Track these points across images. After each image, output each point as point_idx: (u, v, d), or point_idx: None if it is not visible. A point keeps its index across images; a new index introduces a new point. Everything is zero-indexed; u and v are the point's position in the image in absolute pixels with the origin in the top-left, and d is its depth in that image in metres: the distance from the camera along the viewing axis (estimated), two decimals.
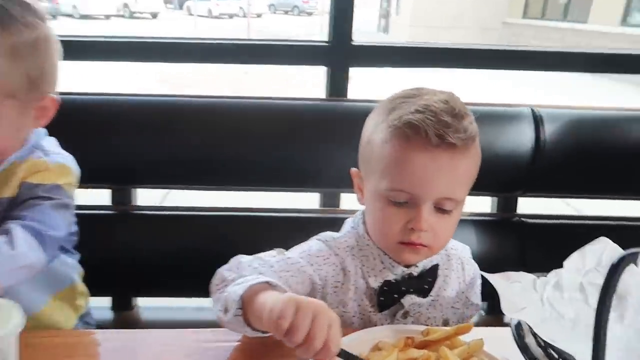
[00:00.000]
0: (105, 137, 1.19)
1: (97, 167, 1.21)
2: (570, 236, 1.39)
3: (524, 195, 1.36)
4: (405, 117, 0.75)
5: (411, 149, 0.75)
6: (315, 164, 1.26)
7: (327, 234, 0.89)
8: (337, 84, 1.42)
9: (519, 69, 1.53)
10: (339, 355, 0.60)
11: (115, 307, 1.34)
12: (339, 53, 1.40)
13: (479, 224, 1.34)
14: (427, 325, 0.81)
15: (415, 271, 0.84)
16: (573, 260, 0.72)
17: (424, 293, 0.85)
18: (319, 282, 0.83)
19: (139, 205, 1.31)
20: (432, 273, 0.86)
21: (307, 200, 1.45)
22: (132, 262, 1.25)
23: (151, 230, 1.28)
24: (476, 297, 0.94)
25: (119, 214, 1.27)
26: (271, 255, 0.84)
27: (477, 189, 1.35)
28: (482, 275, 0.95)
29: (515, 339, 0.66)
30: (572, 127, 1.30)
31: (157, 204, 1.32)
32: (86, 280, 1.06)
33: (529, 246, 1.32)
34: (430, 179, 0.75)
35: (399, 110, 0.78)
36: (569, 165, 1.30)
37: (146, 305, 1.40)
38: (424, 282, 0.85)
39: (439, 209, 0.78)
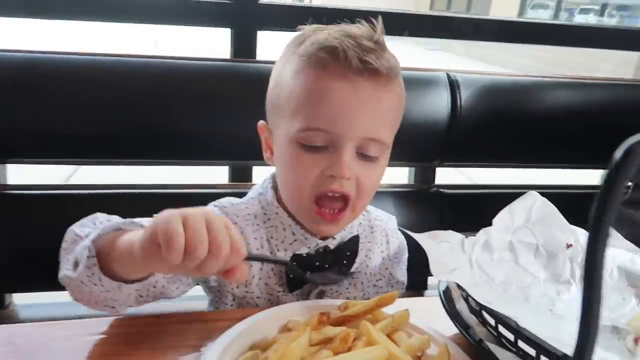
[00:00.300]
0: None
1: None
2: (490, 205, 1.36)
3: (441, 165, 1.31)
4: (321, 41, 0.64)
5: (328, 77, 0.63)
6: (222, 133, 1.12)
7: (226, 200, 0.76)
8: (243, 49, 1.29)
9: (434, 37, 1.48)
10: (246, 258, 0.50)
11: None
12: (244, 13, 1.27)
13: (397, 195, 1.28)
14: None
15: (332, 244, 0.73)
16: (502, 218, 0.66)
17: (344, 271, 0.74)
18: None
19: (9, 185, 1.10)
20: (351, 246, 0.75)
21: (214, 175, 1.31)
22: (3, 253, 1.05)
23: (26, 214, 1.08)
24: (402, 273, 0.85)
25: None
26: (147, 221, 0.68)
27: (394, 158, 1.29)
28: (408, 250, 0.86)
29: (444, 306, 0.58)
30: (488, 93, 1.27)
31: (38, 183, 1.11)
32: None
33: (448, 217, 1.28)
34: (353, 114, 0.63)
35: (312, 37, 0.66)
36: (486, 133, 1.26)
37: (24, 302, 1.20)
38: (343, 257, 0.74)
39: (363, 155, 0.66)
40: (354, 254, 0.75)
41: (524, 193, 1.46)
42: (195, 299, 0.94)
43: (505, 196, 1.36)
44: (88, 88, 1.04)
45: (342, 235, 0.74)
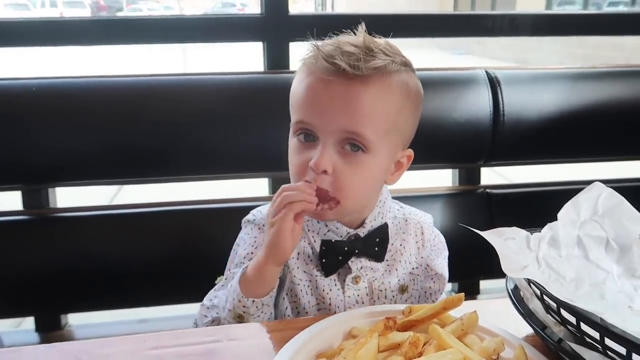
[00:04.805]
0: (8, 128, 1.01)
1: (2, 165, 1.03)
2: (538, 203, 1.33)
3: (486, 165, 1.27)
4: (311, 49, 0.73)
5: (305, 76, 0.73)
6: (260, 145, 1.12)
7: (251, 214, 0.85)
8: (277, 62, 1.29)
9: (466, 36, 1.45)
10: None
11: (40, 327, 1.15)
12: (275, 25, 1.27)
13: (443, 198, 1.25)
14: (382, 290, 0.78)
15: (362, 232, 0.79)
16: (567, 212, 0.62)
17: (377, 257, 0.79)
18: None
19: (57, 208, 1.13)
20: (381, 233, 0.80)
21: (254, 187, 1.31)
22: (55, 275, 1.07)
23: (75, 235, 1.10)
24: (441, 267, 0.87)
25: (34, 219, 1.08)
26: (224, 279, 0.81)
27: (438, 160, 1.28)
28: (447, 257, 0.88)
29: (516, 306, 0.55)
30: (529, 87, 1.24)
31: (82, 205, 1.13)
32: None
33: (497, 218, 1.24)
34: (324, 107, 0.70)
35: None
36: (531, 129, 1.22)
37: (80, 322, 1.22)
38: (372, 244, 0.79)
39: (346, 151, 0.71)
40: (384, 240, 0.80)
41: (572, 190, 1.42)
42: None
43: (553, 194, 1.34)
44: (125, 110, 1.06)
45: (372, 223, 0.79)
